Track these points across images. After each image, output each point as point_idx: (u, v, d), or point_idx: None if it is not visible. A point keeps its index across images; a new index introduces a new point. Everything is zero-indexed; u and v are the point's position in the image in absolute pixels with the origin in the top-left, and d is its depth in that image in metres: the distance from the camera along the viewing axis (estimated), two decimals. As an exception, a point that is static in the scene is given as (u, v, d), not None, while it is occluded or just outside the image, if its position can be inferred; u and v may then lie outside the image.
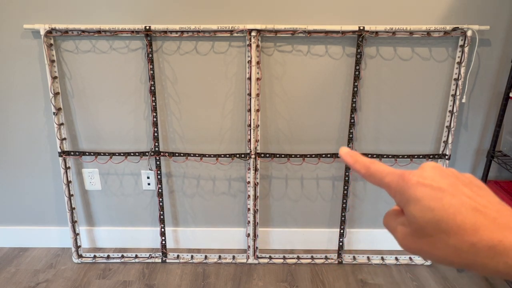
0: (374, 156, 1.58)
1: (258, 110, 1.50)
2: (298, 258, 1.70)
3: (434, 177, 0.26)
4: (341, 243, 1.70)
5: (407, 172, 0.27)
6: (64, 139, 1.56)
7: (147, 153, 1.58)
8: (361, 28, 1.40)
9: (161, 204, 1.64)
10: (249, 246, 1.68)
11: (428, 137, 1.59)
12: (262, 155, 1.57)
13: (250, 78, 1.46)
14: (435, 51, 1.47)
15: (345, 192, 1.62)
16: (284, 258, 1.70)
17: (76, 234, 1.67)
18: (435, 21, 1.43)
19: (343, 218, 1.67)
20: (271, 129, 1.59)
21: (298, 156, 1.58)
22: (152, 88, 1.49)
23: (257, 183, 1.59)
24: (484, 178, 1.53)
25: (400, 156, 1.58)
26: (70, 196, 1.61)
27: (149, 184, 1.68)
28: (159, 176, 1.60)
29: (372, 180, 0.30)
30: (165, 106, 1.56)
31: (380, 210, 1.73)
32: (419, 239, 0.26)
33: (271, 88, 1.53)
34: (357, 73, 1.47)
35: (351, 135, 1.55)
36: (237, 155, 1.58)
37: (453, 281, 1.59)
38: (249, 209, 1.62)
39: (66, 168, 1.58)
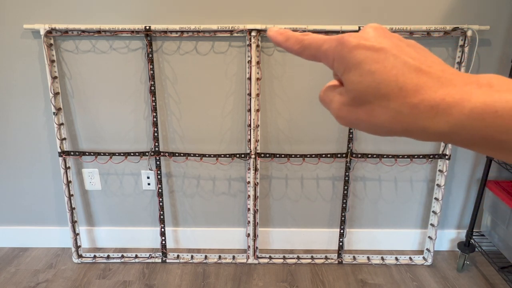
0: (374, 156, 1.58)
1: (258, 110, 1.50)
2: (298, 258, 1.70)
3: (376, 38, 0.23)
4: (341, 243, 1.70)
5: (347, 35, 0.24)
6: (64, 139, 1.56)
7: (147, 153, 1.58)
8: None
9: (161, 204, 1.64)
10: (249, 246, 1.68)
11: (428, 137, 1.59)
12: (262, 155, 1.57)
13: (250, 78, 1.46)
14: (435, 51, 1.47)
15: (345, 192, 1.62)
16: (284, 258, 1.70)
17: (76, 234, 1.67)
18: (435, 21, 1.43)
19: (343, 218, 1.67)
20: (271, 129, 1.59)
21: (298, 156, 1.58)
22: (152, 88, 1.49)
23: (257, 183, 1.59)
24: (484, 178, 1.53)
25: (400, 156, 1.58)
26: (70, 196, 1.61)
27: (149, 184, 1.68)
28: (159, 176, 1.60)
29: (308, 53, 0.27)
30: (165, 106, 1.56)
31: (380, 210, 1.73)
32: (356, 108, 0.24)
33: (271, 88, 1.53)
34: (357, 73, 1.47)
35: (351, 135, 1.55)
36: (237, 155, 1.58)
37: (453, 281, 1.59)
38: (249, 209, 1.62)
39: (66, 168, 1.58)
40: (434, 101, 0.21)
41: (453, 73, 0.22)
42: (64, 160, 1.57)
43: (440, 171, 1.59)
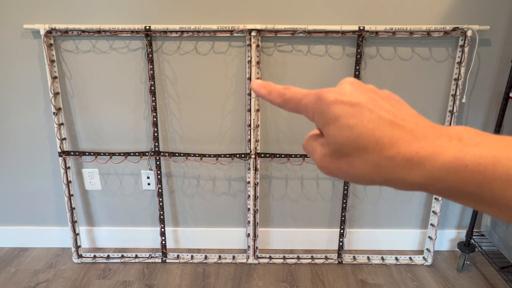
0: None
1: (258, 110, 1.50)
2: (298, 258, 1.70)
3: (352, 93, 0.25)
4: (341, 243, 1.70)
5: (325, 90, 0.26)
6: (64, 139, 1.56)
7: (147, 153, 1.58)
8: (361, 28, 1.40)
9: (161, 204, 1.64)
10: (249, 246, 1.68)
11: (428, 137, 1.59)
12: (262, 155, 1.57)
13: (250, 78, 1.46)
14: (435, 51, 1.47)
15: (345, 192, 1.62)
16: (284, 258, 1.70)
17: (76, 234, 1.67)
18: (435, 21, 1.43)
19: (343, 218, 1.67)
20: (271, 129, 1.59)
21: (298, 156, 1.58)
22: (152, 88, 1.49)
23: (257, 183, 1.59)
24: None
25: (400, 156, 1.57)
26: (70, 196, 1.61)
27: (149, 184, 1.68)
28: (159, 176, 1.60)
29: (289, 106, 0.28)
30: (165, 106, 1.56)
31: (380, 210, 1.73)
32: (337, 159, 0.25)
33: (271, 88, 1.53)
34: (357, 73, 1.47)
35: (351, 135, 1.55)
36: (237, 155, 1.58)
37: (453, 281, 1.59)
38: (249, 209, 1.62)
39: (66, 168, 1.58)
40: (409, 154, 0.22)
41: (426, 125, 0.23)
42: (64, 160, 1.57)
43: (440, 171, 1.59)
